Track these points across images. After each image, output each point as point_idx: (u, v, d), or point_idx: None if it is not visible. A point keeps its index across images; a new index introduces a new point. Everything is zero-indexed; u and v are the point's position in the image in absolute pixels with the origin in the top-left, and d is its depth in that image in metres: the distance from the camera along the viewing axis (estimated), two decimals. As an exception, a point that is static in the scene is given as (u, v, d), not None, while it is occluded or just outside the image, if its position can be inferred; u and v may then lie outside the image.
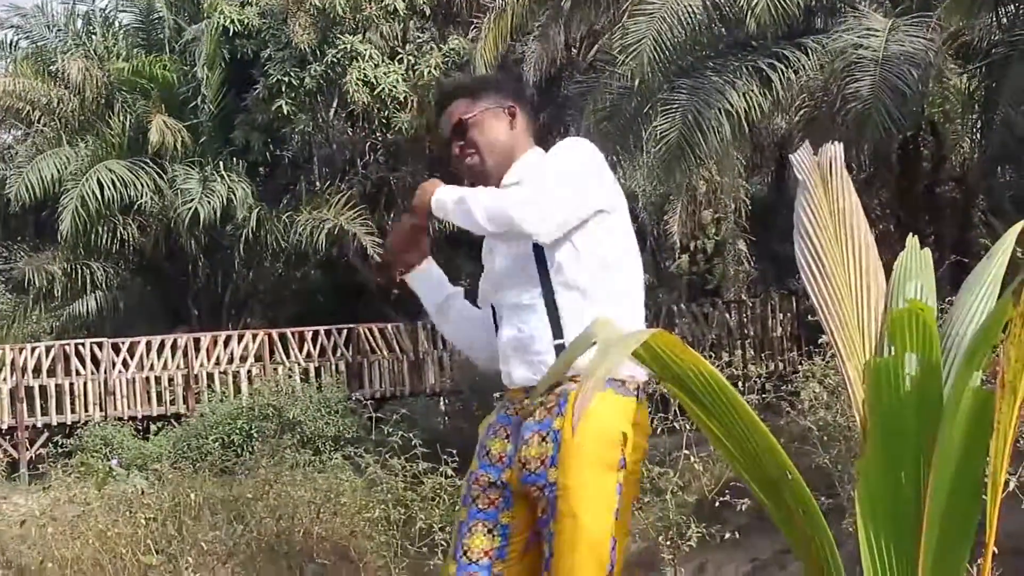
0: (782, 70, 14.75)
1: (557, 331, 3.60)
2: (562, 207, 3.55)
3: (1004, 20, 14.92)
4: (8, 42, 27.47)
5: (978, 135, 15.64)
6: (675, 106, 14.81)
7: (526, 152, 3.79)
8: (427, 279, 3.97)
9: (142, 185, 23.85)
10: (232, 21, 23.79)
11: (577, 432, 3.46)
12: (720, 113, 14.65)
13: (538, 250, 3.62)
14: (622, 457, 3.53)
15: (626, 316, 3.61)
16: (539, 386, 3.50)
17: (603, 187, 3.66)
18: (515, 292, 3.68)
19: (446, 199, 3.65)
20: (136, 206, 24.02)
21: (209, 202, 23.30)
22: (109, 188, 23.33)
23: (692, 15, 15.32)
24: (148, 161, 24.05)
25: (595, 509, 3.48)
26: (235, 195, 23.61)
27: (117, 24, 27.55)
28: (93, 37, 26.70)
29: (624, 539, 3.57)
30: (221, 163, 24.05)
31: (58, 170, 23.88)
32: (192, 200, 23.29)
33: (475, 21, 20.84)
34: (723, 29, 15.87)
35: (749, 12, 14.49)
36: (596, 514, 3.47)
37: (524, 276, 3.66)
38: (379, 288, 24.75)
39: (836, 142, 3.01)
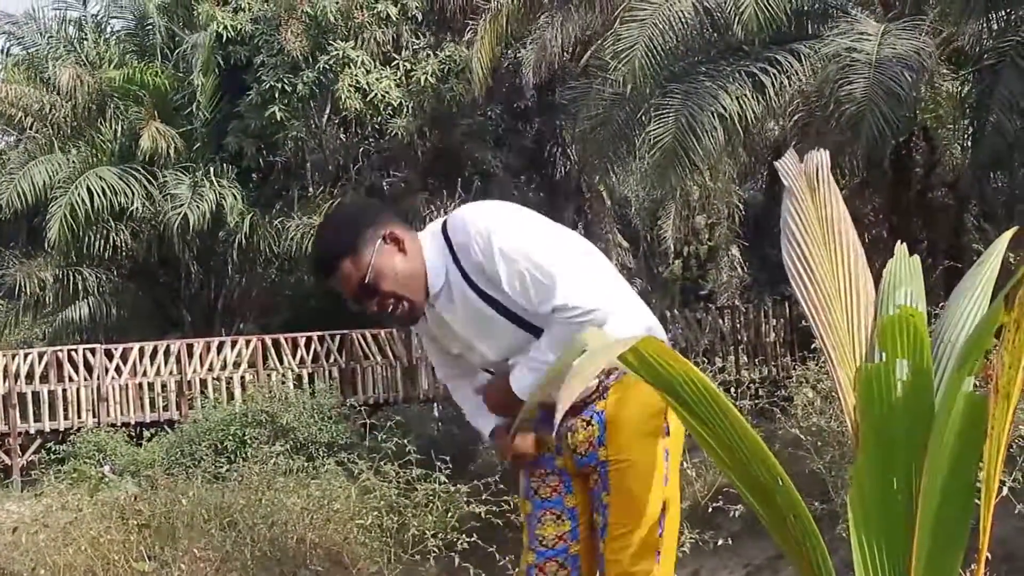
0: (775, 75, 14.76)
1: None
2: (580, 278, 3.58)
3: (995, 26, 14.94)
4: (0, 48, 27.48)
5: (970, 140, 15.65)
6: (668, 111, 14.82)
7: (424, 255, 3.71)
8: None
9: (133, 192, 23.84)
10: (225, 27, 23.79)
11: (622, 409, 3.66)
12: (713, 118, 14.67)
13: (497, 307, 3.66)
14: (666, 424, 3.69)
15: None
16: (543, 388, 3.50)
17: (544, 228, 3.71)
18: (493, 345, 3.75)
19: (534, 385, 3.59)
20: (128, 212, 24.01)
21: (199, 207, 23.28)
22: (99, 195, 23.31)
23: (684, 21, 15.33)
24: (139, 167, 24.05)
25: (645, 478, 3.64)
26: (225, 201, 23.60)
27: (109, 30, 27.56)
28: (84, 43, 26.68)
29: (674, 503, 3.73)
30: (212, 169, 24.03)
31: (50, 176, 23.87)
32: (182, 205, 23.28)
33: (470, 23, 20.82)
34: (715, 34, 15.90)
35: (736, 18, 14.52)
36: (646, 483, 3.64)
37: (500, 330, 3.69)
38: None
39: (827, 148, 3.02)
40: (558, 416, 2.35)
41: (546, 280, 3.55)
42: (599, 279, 3.65)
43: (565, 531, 3.77)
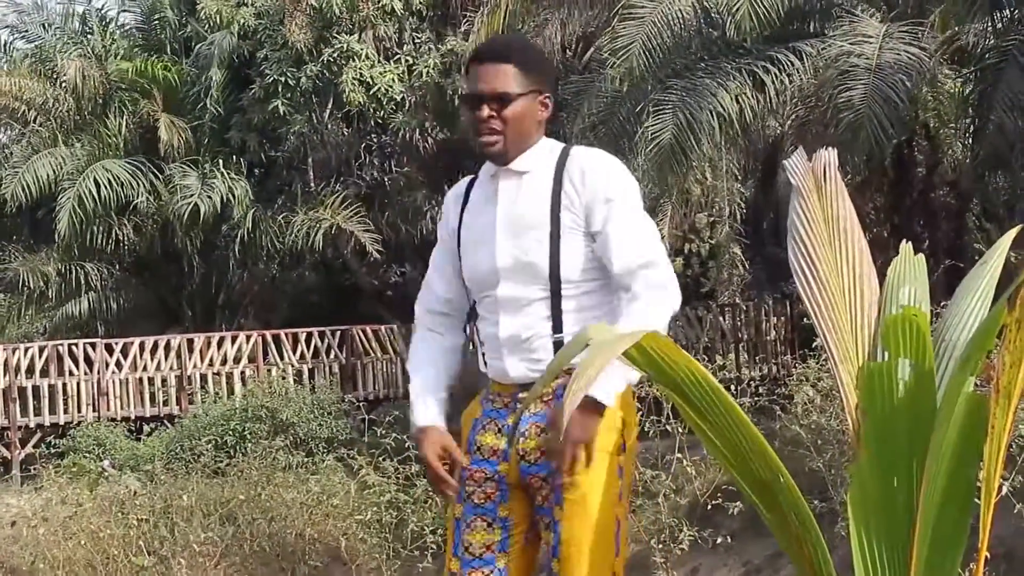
0: (775, 73, 14.76)
1: (557, 326, 3.59)
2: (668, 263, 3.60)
3: (999, 25, 14.94)
4: (3, 42, 27.49)
5: (971, 139, 15.64)
6: (666, 108, 14.81)
7: (539, 142, 3.68)
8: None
9: (139, 184, 23.86)
10: (231, 22, 23.85)
11: None
12: (712, 116, 14.66)
13: (553, 246, 3.58)
14: (622, 441, 3.56)
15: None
16: (536, 386, 3.45)
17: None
18: (518, 287, 3.62)
19: (615, 387, 3.46)
20: (132, 206, 24.01)
21: (210, 198, 23.30)
22: (106, 187, 23.34)
23: (682, 19, 15.32)
24: (145, 160, 24.07)
25: (600, 493, 3.51)
26: (234, 193, 23.61)
27: (114, 24, 27.56)
28: (90, 37, 26.68)
29: (626, 520, 3.62)
30: (222, 162, 24.06)
31: (54, 170, 23.87)
32: (192, 196, 23.28)
33: (468, 15, 20.82)
34: (714, 32, 15.89)
35: (730, 18, 14.52)
36: (601, 498, 3.51)
37: (531, 271, 3.60)
38: (373, 289, 24.80)
39: (830, 147, 3.02)
40: (566, 414, 2.35)
41: (646, 236, 3.57)
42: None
43: (494, 540, 3.63)
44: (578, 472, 3.45)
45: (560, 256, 3.57)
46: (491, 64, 3.63)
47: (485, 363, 3.74)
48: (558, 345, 3.58)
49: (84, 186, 23.17)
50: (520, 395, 3.64)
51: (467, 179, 3.85)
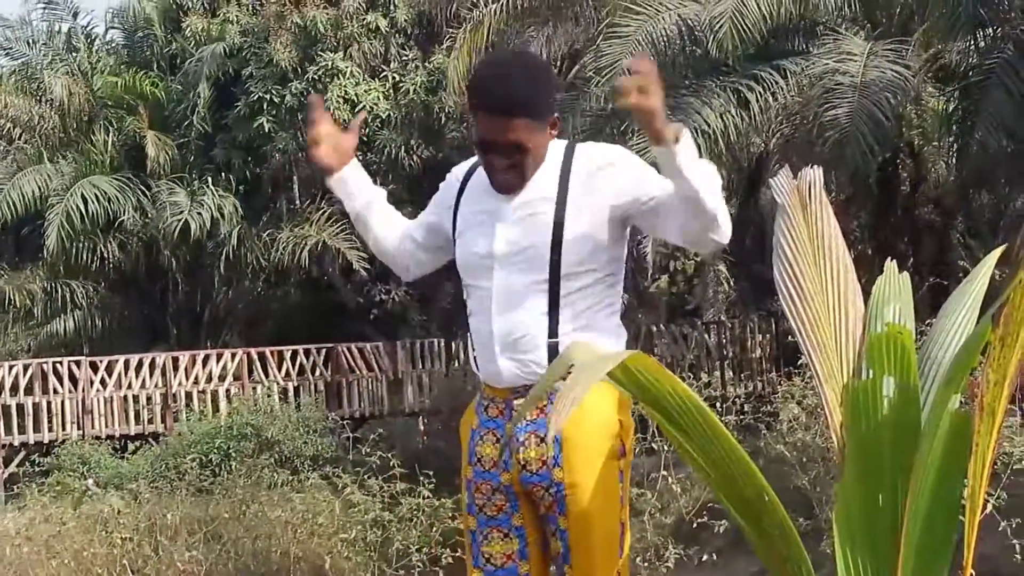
0: (759, 92, 14.80)
1: (553, 329, 3.54)
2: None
3: (982, 43, 15.00)
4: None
5: (955, 157, 15.70)
6: (651, 125, 14.81)
7: (549, 151, 3.64)
8: (347, 183, 3.94)
9: (126, 201, 23.84)
10: (220, 38, 23.90)
11: (579, 429, 3.49)
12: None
13: (556, 231, 3.54)
14: (622, 445, 3.57)
15: (613, 332, 3.60)
16: (527, 403, 3.44)
17: None
18: (513, 275, 3.57)
19: (692, 152, 3.32)
20: (117, 223, 23.98)
21: (200, 215, 23.28)
22: (94, 203, 23.31)
23: (667, 37, 15.35)
24: (132, 176, 24.05)
25: (604, 501, 3.53)
26: (224, 210, 23.60)
27: (99, 41, 27.54)
28: (76, 54, 26.67)
29: (628, 522, 3.64)
30: (210, 179, 24.05)
31: (39, 187, 23.84)
32: (181, 213, 23.25)
33: (452, 31, 20.83)
34: (697, 50, 15.91)
35: (712, 36, 14.54)
36: (605, 506, 3.53)
37: (530, 257, 3.56)
38: (358, 307, 24.77)
39: (815, 165, 3.02)
40: (551, 431, 2.34)
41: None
42: None
43: (513, 550, 3.65)
44: (581, 483, 3.50)
45: (563, 243, 3.52)
46: (503, 117, 3.52)
47: (477, 366, 3.71)
48: (552, 350, 3.52)
49: (72, 202, 23.15)
50: (515, 401, 3.62)
51: (469, 163, 3.81)
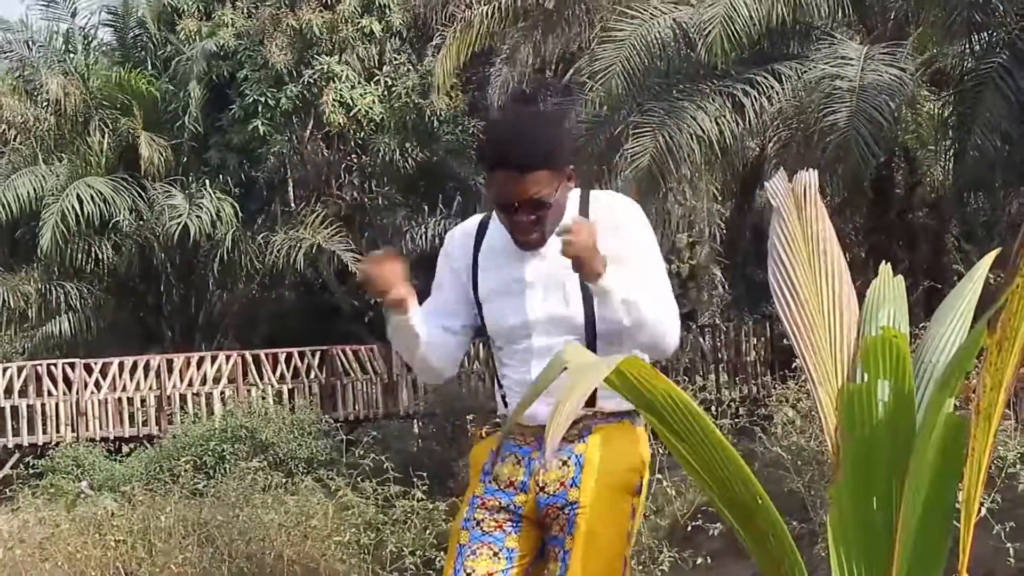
0: (754, 96, 14.79)
1: None
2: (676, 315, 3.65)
3: (977, 47, 15.00)
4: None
5: (951, 161, 15.70)
6: (646, 131, 14.82)
7: (567, 202, 3.65)
8: (412, 315, 3.72)
9: (121, 202, 23.82)
10: (212, 35, 23.90)
11: (603, 457, 3.56)
12: (692, 138, 14.68)
13: (587, 297, 3.58)
14: (639, 483, 3.62)
15: None
16: (515, 414, 3.43)
17: None
18: (553, 337, 3.59)
19: (614, 290, 3.46)
20: (111, 225, 23.95)
21: (199, 217, 23.26)
22: (89, 204, 23.28)
23: (661, 41, 15.33)
24: (127, 177, 24.03)
25: (612, 529, 3.55)
26: (222, 213, 23.59)
27: (95, 44, 27.54)
28: (73, 56, 26.66)
29: (630, 561, 3.66)
30: (207, 181, 24.04)
31: (34, 189, 23.81)
32: (180, 216, 23.23)
33: (442, 31, 20.81)
34: (692, 54, 15.90)
35: (701, 41, 14.53)
36: (613, 534, 3.55)
37: (566, 323, 3.61)
38: (353, 309, 24.75)
39: (811, 169, 3.02)
40: (549, 453, 2.33)
41: (659, 274, 3.63)
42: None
43: (498, 569, 3.61)
44: (594, 506, 3.54)
45: (595, 307, 3.57)
46: (519, 173, 3.53)
47: (506, 404, 3.74)
48: None
49: (67, 202, 23.12)
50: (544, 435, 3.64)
51: (477, 218, 3.79)
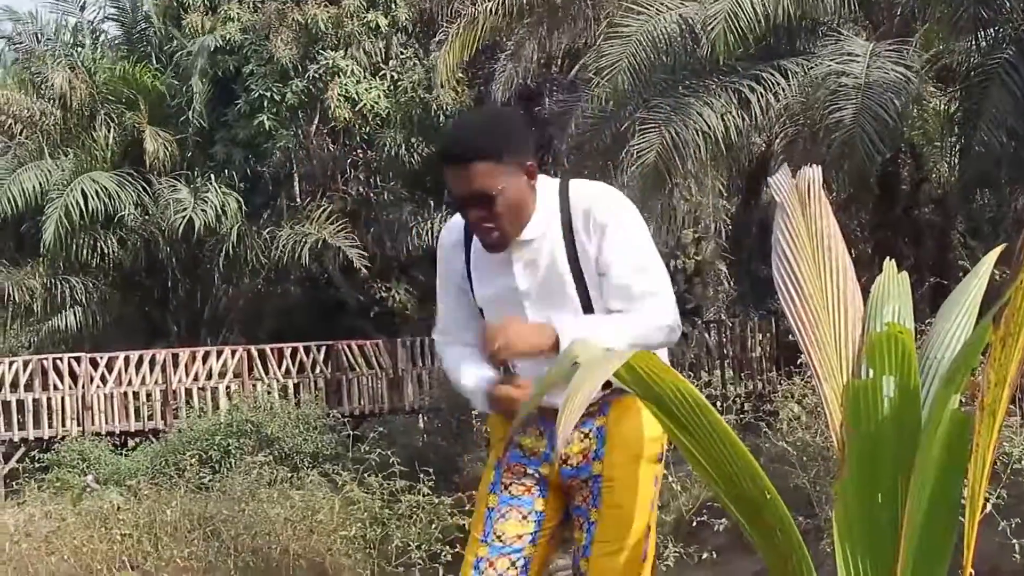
0: (760, 92, 14.78)
1: None
2: (670, 288, 3.63)
3: (984, 43, 14.98)
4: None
5: (957, 157, 15.68)
6: (652, 127, 14.81)
7: (536, 202, 3.60)
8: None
9: (126, 197, 23.82)
10: (220, 36, 23.88)
11: (622, 427, 3.61)
12: (697, 134, 14.66)
13: (584, 299, 3.59)
14: (661, 451, 3.68)
15: None
16: (525, 410, 3.44)
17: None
18: (549, 310, 3.60)
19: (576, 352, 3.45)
20: (117, 219, 23.96)
21: (204, 211, 23.26)
22: (93, 199, 23.27)
23: (667, 37, 15.32)
24: (132, 172, 24.04)
25: (637, 500, 3.62)
26: (227, 207, 23.59)
27: (103, 37, 27.56)
28: (80, 50, 26.67)
29: (655, 527, 3.72)
30: (213, 176, 24.04)
31: (40, 183, 23.80)
32: (186, 210, 23.23)
33: (446, 27, 20.80)
34: (698, 50, 15.88)
35: (704, 37, 14.52)
36: (638, 505, 3.62)
37: (563, 297, 3.63)
38: (358, 305, 24.77)
39: (815, 164, 3.02)
40: (560, 444, 2.34)
41: (652, 269, 3.58)
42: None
43: (527, 532, 3.68)
44: (619, 478, 3.59)
45: (593, 308, 3.60)
46: (462, 166, 3.48)
47: None
48: None
49: (72, 197, 23.11)
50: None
51: (460, 224, 3.74)
